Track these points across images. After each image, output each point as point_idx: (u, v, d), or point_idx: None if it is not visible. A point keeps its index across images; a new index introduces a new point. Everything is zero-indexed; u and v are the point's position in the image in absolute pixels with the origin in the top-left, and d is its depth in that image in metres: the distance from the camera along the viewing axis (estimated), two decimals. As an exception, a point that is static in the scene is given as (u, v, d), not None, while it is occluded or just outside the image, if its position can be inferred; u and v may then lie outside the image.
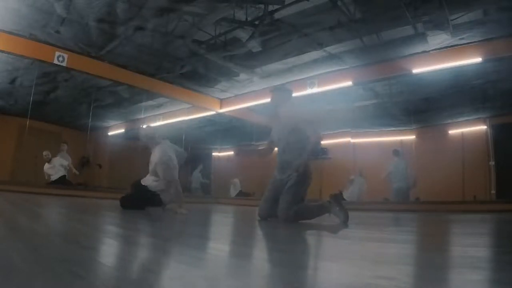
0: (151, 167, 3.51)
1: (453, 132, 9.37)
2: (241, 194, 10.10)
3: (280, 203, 2.57)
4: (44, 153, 7.38)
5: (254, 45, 6.08)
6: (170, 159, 3.43)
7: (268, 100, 3.07)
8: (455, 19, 4.96)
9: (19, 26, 5.46)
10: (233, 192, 10.29)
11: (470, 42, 5.63)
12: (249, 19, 5.22)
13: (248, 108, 9.01)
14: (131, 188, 3.57)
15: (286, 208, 2.50)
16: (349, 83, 6.97)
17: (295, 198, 2.56)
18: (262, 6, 4.94)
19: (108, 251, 1.14)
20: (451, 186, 8.32)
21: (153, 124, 10.25)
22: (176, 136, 9.24)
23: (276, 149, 2.96)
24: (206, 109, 9.23)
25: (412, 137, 9.91)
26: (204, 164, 11.57)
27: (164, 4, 4.90)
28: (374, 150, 10.12)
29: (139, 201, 3.41)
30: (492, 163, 8.42)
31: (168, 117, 10.06)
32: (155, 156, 3.44)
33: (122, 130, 11.33)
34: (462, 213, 5.63)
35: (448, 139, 9.45)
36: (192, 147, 10.83)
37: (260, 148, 3.02)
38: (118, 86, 7.86)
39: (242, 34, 5.76)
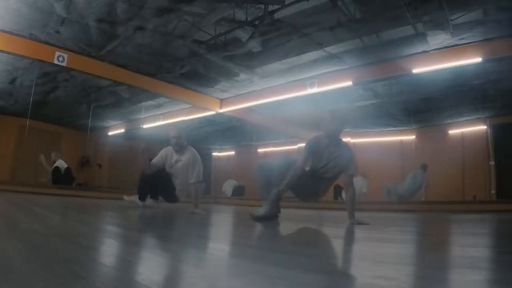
0: (180, 166, 3.62)
1: (453, 132, 9.37)
2: (238, 189, 9.99)
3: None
4: (53, 154, 7.44)
5: (254, 45, 6.08)
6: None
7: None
8: (455, 19, 4.96)
9: (19, 26, 5.45)
10: (228, 190, 10.22)
11: (470, 42, 5.63)
12: (249, 19, 5.22)
13: (248, 108, 9.00)
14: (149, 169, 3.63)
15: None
16: (349, 83, 6.97)
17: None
18: (262, 6, 4.94)
19: (108, 251, 1.14)
20: (451, 186, 8.32)
21: (153, 124, 10.26)
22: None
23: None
24: (206, 109, 9.23)
25: (412, 137, 9.92)
26: None
27: (164, 4, 4.90)
28: (374, 150, 10.12)
29: (159, 187, 3.56)
30: (492, 163, 8.42)
31: (168, 117, 10.06)
32: (187, 157, 3.58)
33: (122, 130, 11.33)
34: (462, 213, 5.63)
35: (448, 139, 9.46)
36: (192, 147, 10.78)
37: None
38: (118, 86, 7.86)
39: (242, 34, 5.76)
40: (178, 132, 3.67)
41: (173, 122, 9.97)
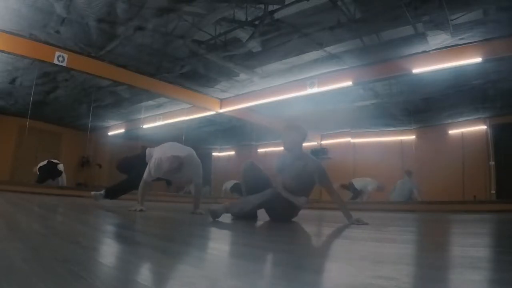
0: (186, 177, 3.54)
1: (453, 132, 9.38)
2: (237, 186, 9.84)
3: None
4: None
5: (254, 45, 6.08)
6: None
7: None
8: (455, 19, 4.96)
9: (19, 26, 5.46)
10: (228, 188, 10.15)
11: (470, 42, 5.64)
12: (249, 19, 5.22)
13: (248, 108, 9.01)
14: None
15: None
16: (349, 83, 6.98)
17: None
18: (262, 6, 4.94)
19: (108, 251, 1.14)
20: (451, 186, 8.32)
21: (153, 124, 10.25)
22: (176, 136, 9.24)
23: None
24: (206, 109, 9.23)
25: (412, 137, 9.93)
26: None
27: (164, 4, 4.91)
28: (374, 150, 10.13)
29: None
30: (492, 163, 8.43)
31: (168, 117, 10.07)
32: (190, 169, 3.37)
33: (122, 130, 11.34)
34: (462, 213, 5.63)
35: (448, 139, 9.46)
36: (192, 147, 10.79)
37: None
38: (118, 86, 7.87)
39: (242, 34, 5.76)
40: (177, 162, 3.17)
41: (173, 122, 9.97)
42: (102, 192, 3.74)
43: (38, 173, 7.28)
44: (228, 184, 10.25)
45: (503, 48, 5.39)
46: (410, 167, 7.83)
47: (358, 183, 8.02)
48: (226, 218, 2.72)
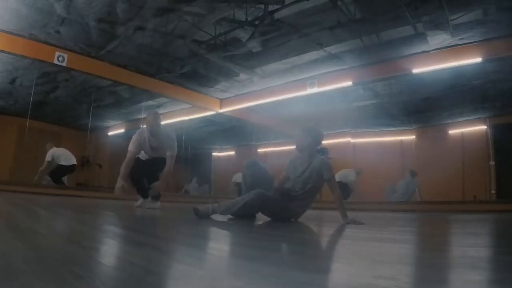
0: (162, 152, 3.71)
1: (453, 132, 9.37)
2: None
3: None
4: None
5: (254, 45, 6.08)
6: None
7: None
8: (455, 19, 4.96)
9: (19, 26, 5.46)
10: (237, 180, 10.05)
11: (470, 42, 5.64)
12: (249, 19, 5.22)
13: (248, 108, 9.01)
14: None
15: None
16: (349, 83, 6.98)
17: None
18: (262, 6, 4.94)
19: (108, 251, 1.14)
20: (451, 186, 8.32)
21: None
22: (176, 136, 9.23)
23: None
24: (206, 109, 9.23)
25: (412, 137, 9.93)
26: (199, 174, 11.38)
27: (164, 4, 4.91)
28: (374, 150, 10.13)
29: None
30: (492, 163, 8.43)
31: (168, 117, 10.06)
32: (165, 140, 3.63)
33: (122, 130, 11.34)
34: (462, 213, 5.63)
35: (448, 139, 9.46)
36: (192, 147, 10.84)
37: None
38: (118, 86, 7.87)
39: (242, 34, 5.77)
40: (152, 120, 3.55)
41: (173, 122, 9.96)
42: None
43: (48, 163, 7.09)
44: (237, 178, 10.10)
45: (503, 48, 5.39)
46: (413, 168, 7.85)
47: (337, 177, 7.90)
48: (225, 218, 2.72)
